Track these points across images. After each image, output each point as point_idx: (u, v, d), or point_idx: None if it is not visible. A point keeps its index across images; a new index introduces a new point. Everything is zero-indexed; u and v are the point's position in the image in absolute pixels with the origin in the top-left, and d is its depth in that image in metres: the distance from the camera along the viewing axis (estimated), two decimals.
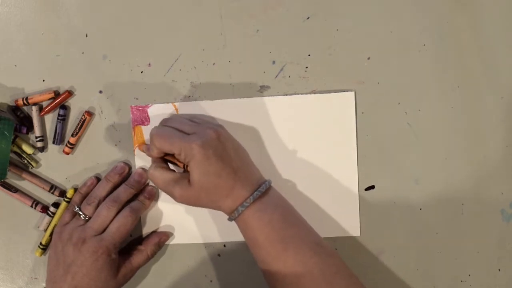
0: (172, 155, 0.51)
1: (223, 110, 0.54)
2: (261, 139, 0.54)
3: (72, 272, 0.50)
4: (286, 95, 0.54)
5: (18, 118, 0.55)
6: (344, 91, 0.54)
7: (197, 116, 0.54)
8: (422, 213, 0.55)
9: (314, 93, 0.54)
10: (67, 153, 0.55)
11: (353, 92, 0.54)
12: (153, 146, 0.49)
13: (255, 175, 0.50)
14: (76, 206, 0.53)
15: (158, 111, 0.55)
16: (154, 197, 0.55)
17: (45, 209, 0.56)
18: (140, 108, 0.55)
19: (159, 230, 0.56)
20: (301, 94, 0.54)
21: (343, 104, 0.54)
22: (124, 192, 0.53)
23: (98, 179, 0.56)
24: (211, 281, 0.56)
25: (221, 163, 0.47)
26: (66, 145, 0.55)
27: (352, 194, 0.54)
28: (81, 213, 0.52)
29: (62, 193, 0.56)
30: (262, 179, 0.50)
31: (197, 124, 0.50)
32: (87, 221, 0.52)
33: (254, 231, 0.48)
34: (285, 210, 0.50)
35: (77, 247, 0.50)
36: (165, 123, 0.51)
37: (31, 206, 0.56)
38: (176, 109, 0.55)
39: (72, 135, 0.55)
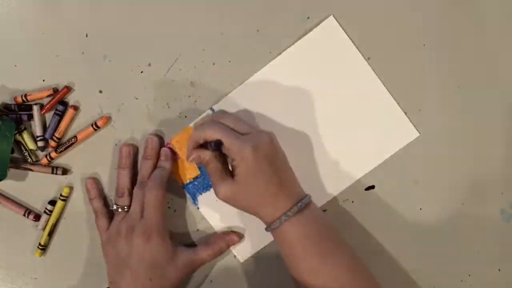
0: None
1: (229, 105, 0.54)
2: (279, 111, 0.54)
3: (128, 264, 0.50)
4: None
5: (17, 112, 0.55)
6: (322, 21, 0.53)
7: (248, 121, 0.53)
8: (422, 213, 0.55)
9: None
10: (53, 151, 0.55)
11: (331, 16, 0.53)
12: (200, 137, 0.49)
13: (298, 188, 0.50)
14: (113, 205, 0.53)
15: None
16: (170, 156, 0.54)
17: (37, 217, 0.56)
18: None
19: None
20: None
21: (331, 33, 0.53)
22: (145, 168, 0.53)
23: (96, 179, 0.56)
24: (211, 281, 0.56)
25: (271, 169, 0.47)
26: (52, 138, 0.55)
27: (392, 105, 0.54)
28: (118, 206, 0.52)
29: (65, 171, 0.56)
30: (303, 193, 0.50)
31: (250, 126, 0.50)
32: (127, 211, 0.52)
33: (292, 243, 0.47)
34: (323, 224, 0.49)
35: (128, 237, 0.50)
36: (218, 119, 0.50)
37: (24, 215, 0.56)
38: None
39: (56, 131, 0.54)
